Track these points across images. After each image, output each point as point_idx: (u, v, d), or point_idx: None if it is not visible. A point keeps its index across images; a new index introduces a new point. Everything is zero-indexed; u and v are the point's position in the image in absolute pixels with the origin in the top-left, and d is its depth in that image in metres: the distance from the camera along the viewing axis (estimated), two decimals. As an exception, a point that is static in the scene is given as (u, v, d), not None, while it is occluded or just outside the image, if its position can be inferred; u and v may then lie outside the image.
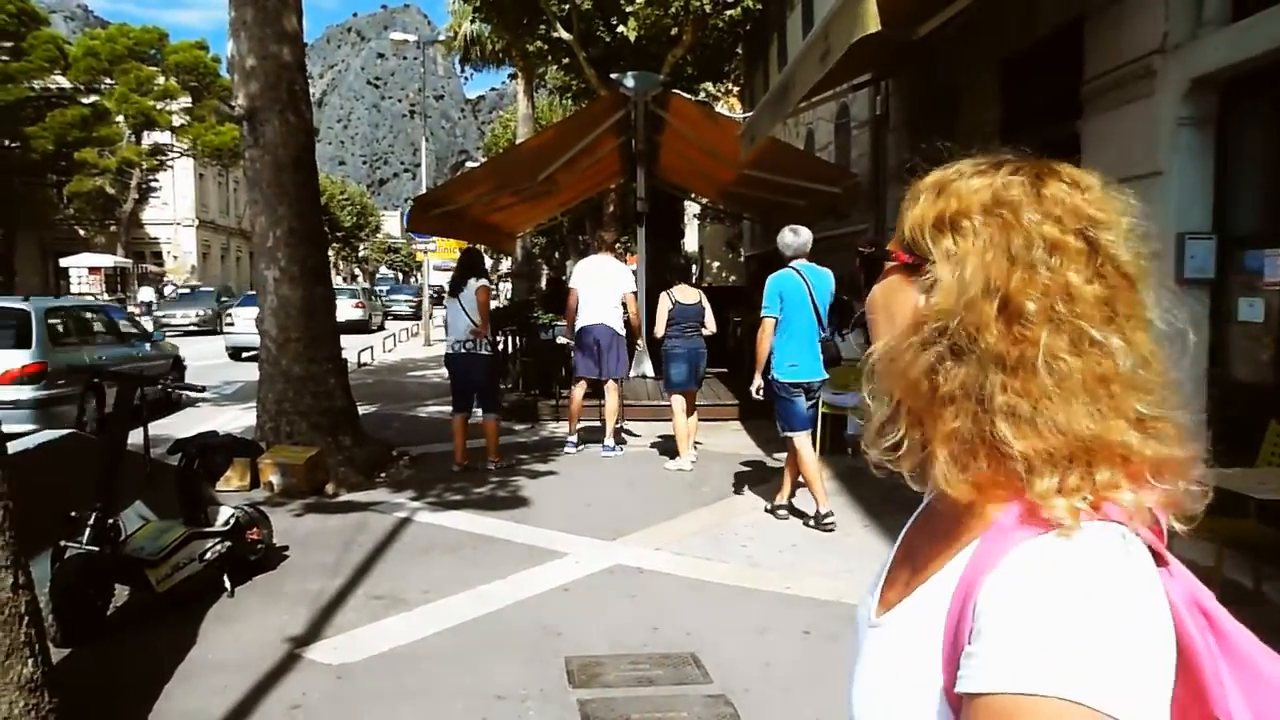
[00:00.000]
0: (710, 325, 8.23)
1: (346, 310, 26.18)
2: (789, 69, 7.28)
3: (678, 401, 8.15)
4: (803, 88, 6.55)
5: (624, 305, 8.80)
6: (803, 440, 6.23)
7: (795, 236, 6.37)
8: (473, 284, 8.03)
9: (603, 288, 8.70)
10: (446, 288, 8.65)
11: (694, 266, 26.11)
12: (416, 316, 33.27)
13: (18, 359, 9.20)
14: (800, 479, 6.42)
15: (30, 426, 7.55)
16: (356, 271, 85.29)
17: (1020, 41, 7.49)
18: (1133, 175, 5.76)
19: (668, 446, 8.81)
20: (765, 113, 8.00)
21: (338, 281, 42.87)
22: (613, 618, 4.64)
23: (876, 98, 11.89)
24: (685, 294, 8.23)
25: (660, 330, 8.18)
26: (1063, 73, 6.68)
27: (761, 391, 6.36)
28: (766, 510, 6.68)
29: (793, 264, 6.30)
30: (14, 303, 10.17)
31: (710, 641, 4.30)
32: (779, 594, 5.02)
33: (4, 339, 9.35)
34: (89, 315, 11.57)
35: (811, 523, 6.29)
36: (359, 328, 27.90)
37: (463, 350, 8.06)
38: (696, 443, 8.58)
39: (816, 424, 6.41)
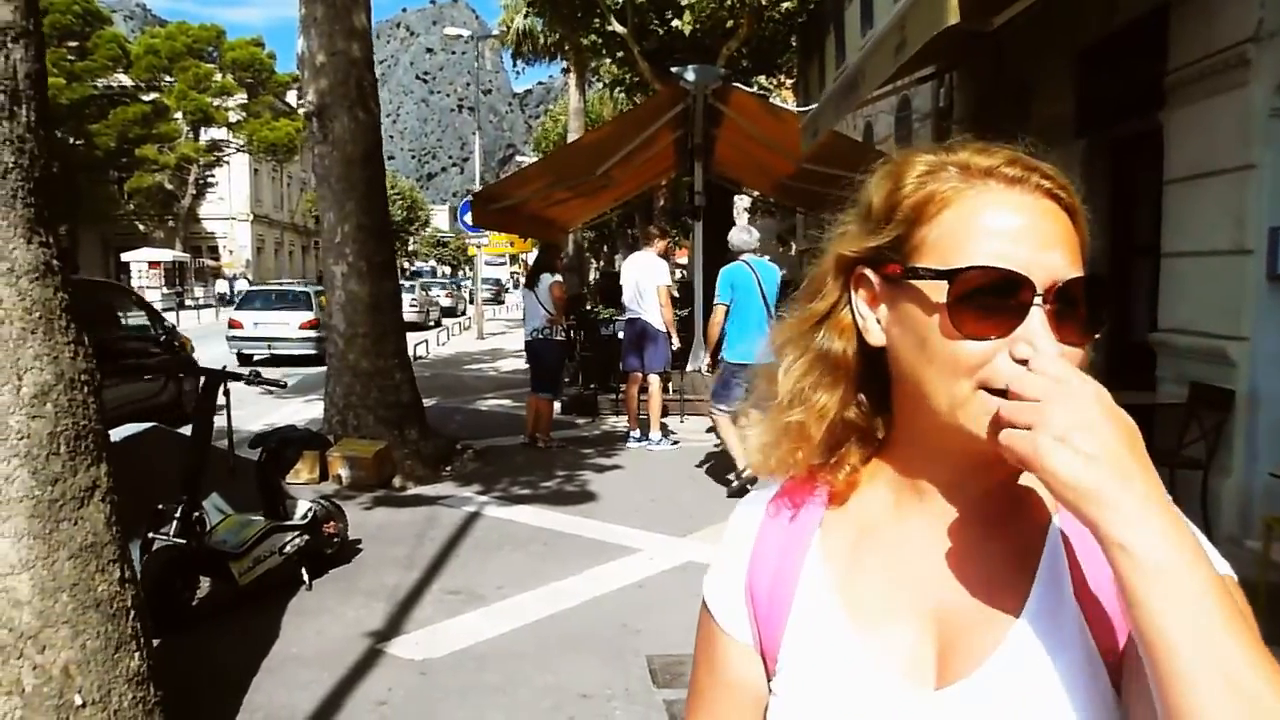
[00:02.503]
0: None
1: (441, 299, 34.54)
2: (859, 61, 7.15)
3: None
4: (874, 80, 6.42)
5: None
6: (721, 417, 6.95)
7: (748, 235, 7.22)
8: (545, 279, 8.83)
9: (638, 282, 8.83)
10: (510, 281, 9.46)
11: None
12: (499, 301, 44.18)
13: (307, 316, 17.24)
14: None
15: (313, 351, 15.81)
16: (406, 265, 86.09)
17: (1098, 31, 7.29)
18: (1222, 169, 5.59)
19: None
20: (830, 106, 7.87)
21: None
22: (690, 616, 4.53)
23: (940, 90, 11.66)
24: None
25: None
26: (1144, 63, 6.48)
27: (707, 368, 7.10)
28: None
29: (742, 258, 7.03)
30: (300, 286, 19.97)
31: (790, 642, 4.24)
32: (856, 595, 4.94)
33: (299, 306, 17.77)
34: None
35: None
36: (449, 313, 34.01)
37: (539, 337, 8.83)
38: None
39: None
